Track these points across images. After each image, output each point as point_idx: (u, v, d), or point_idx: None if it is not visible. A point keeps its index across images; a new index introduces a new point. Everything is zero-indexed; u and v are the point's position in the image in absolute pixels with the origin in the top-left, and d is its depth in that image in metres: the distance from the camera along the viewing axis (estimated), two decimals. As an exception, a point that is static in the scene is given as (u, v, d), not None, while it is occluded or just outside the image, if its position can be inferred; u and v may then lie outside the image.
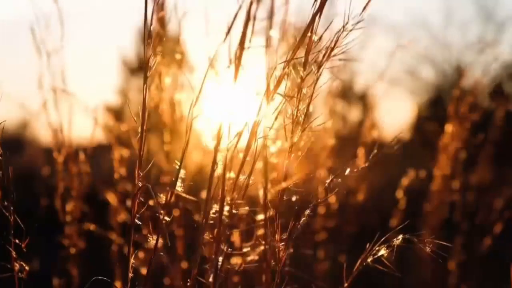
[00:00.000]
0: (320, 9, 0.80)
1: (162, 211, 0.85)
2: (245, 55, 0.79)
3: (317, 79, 0.84)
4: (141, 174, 0.86)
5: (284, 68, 0.81)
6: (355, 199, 2.05)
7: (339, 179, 0.89)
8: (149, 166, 0.88)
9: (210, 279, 0.84)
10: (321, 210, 1.91)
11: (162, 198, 0.85)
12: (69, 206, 1.73)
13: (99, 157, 1.82)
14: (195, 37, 1.64)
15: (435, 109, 9.80)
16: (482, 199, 2.35)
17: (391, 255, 0.86)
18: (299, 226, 0.88)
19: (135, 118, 0.88)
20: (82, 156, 1.71)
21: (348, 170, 0.89)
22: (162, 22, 1.64)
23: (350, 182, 2.07)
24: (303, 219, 0.88)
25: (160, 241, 0.87)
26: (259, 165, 1.18)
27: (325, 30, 0.82)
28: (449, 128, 2.12)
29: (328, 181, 0.88)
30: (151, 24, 0.84)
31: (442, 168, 2.13)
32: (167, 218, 0.85)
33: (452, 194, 2.19)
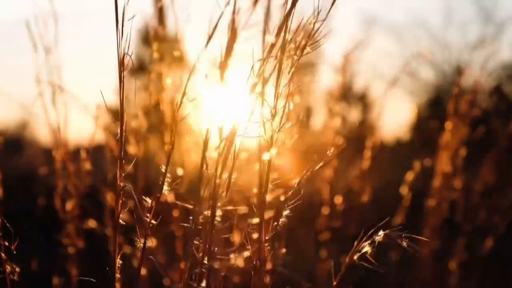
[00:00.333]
0: (291, 9, 0.80)
1: (147, 215, 0.84)
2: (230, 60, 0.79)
3: (291, 77, 0.84)
4: (123, 175, 0.85)
5: (260, 67, 0.81)
6: (356, 199, 2.04)
7: (302, 181, 0.88)
8: (130, 166, 0.88)
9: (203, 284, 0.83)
10: (325, 210, 1.91)
11: (148, 201, 0.84)
12: (68, 205, 1.72)
13: (99, 157, 1.82)
14: (192, 35, 1.65)
15: (435, 109, 9.81)
16: (483, 199, 2.35)
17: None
18: (278, 226, 0.88)
19: (113, 120, 0.87)
20: (81, 155, 1.71)
21: (319, 166, 0.87)
22: (160, 18, 1.64)
23: (352, 182, 2.07)
24: (282, 219, 0.88)
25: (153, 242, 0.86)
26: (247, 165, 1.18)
27: (297, 29, 0.82)
28: (449, 125, 2.12)
29: (297, 180, 0.88)
30: (123, 24, 0.82)
31: (443, 166, 2.12)
32: (153, 222, 0.85)
33: (452, 193, 2.19)
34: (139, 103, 1.70)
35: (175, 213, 1.58)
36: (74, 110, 1.73)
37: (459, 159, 2.14)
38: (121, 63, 0.84)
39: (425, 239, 0.86)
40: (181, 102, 0.82)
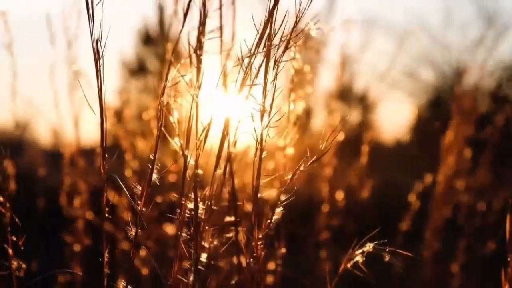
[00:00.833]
0: (275, 5, 0.81)
1: (138, 202, 0.84)
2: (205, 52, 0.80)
3: (276, 74, 0.84)
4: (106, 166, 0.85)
5: (247, 66, 0.81)
6: (356, 197, 2.05)
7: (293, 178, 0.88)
8: (114, 157, 0.87)
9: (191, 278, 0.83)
10: (324, 208, 1.91)
11: (138, 189, 0.84)
12: (75, 202, 1.73)
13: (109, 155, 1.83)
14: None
15: (435, 110, 9.80)
16: (485, 200, 2.34)
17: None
18: (271, 224, 0.88)
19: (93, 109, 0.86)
20: (92, 153, 1.71)
21: (313, 159, 0.87)
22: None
23: (352, 182, 2.07)
24: (275, 217, 0.88)
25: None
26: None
27: (280, 25, 0.82)
28: (452, 126, 2.11)
29: (290, 176, 0.88)
30: (93, 8, 0.81)
31: (446, 168, 2.12)
32: (144, 209, 0.84)
33: (455, 195, 2.19)
34: (139, 102, 1.71)
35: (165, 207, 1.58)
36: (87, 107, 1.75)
37: (463, 160, 2.13)
38: (95, 51, 0.82)
39: (409, 254, 0.86)
40: (163, 91, 0.82)
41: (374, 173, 2.17)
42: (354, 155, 2.18)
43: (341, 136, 1.75)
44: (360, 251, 0.87)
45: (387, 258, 0.84)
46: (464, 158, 2.13)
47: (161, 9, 1.75)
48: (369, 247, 0.86)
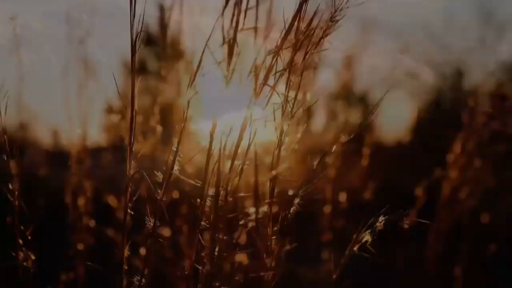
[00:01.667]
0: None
1: (159, 191, 0.84)
2: (239, 36, 0.80)
3: (304, 66, 0.83)
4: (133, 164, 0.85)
5: (273, 58, 0.81)
6: (357, 198, 2.05)
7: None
8: (140, 153, 0.87)
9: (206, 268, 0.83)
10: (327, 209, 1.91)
11: (160, 177, 0.84)
12: (79, 202, 1.73)
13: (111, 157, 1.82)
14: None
15: (435, 111, 9.78)
16: (489, 204, 2.34)
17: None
18: (289, 215, 0.87)
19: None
20: (99, 154, 1.71)
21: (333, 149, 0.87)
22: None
23: (355, 182, 2.07)
24: (293, 208, 0.87)
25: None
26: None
27: (312, 19, 0.82)
28: (459, 142, 2.11)
29: (315, 162, 0.87)
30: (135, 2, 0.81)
31: (452, 179, 2.11)
32: (164, 198, 0.84)
33: (459, 199, 2.18)
34: (140, 102, 1.71)
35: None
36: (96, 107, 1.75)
37: (469, 171, 2.13)
38: (133, 47, 0.82)
39: (426, 221, 0.85)
40: (192, 83, 0.81)
41: (376, 174, 2.17)
42: (356, 155, 2.18)
43: (344, 138, 1.74)
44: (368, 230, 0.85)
45: (406, 225, 0.82)
46: (471, 166, 2.12)
47: (162, 9, 1.75)
48: (382, 221, 0.85)
